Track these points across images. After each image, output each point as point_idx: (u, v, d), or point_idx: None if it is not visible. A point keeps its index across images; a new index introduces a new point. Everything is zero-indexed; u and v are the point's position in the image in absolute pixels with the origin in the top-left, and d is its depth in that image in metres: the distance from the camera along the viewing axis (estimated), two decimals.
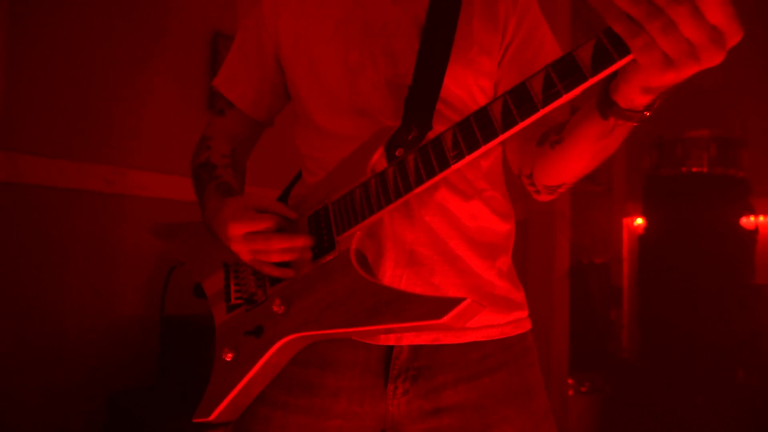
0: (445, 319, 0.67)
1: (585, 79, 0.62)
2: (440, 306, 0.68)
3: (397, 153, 0.81)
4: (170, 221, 1.15)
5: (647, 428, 3.06)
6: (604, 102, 0.67)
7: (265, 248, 0.81)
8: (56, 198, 1.80)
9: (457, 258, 0.88)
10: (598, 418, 3.35)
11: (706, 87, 3.44)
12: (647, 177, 3.27)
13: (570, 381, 3.29)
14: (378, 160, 0.81)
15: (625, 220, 3.94)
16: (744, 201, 3.07)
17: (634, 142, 3.77)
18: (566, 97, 0.64)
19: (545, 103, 0.65)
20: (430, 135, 0.81)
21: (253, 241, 0.81)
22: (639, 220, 3.62)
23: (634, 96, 0.63)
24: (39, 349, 1.73)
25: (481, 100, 0.92)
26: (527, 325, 0.96)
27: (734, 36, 0.52)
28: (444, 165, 0.73)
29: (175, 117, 2.15)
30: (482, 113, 0.71)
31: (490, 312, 0.89)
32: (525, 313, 0.96)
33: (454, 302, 0.67)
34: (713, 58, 0.53)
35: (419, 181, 0.74)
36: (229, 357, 0.84)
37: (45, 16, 1.79)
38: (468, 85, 0.91)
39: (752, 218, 3.07)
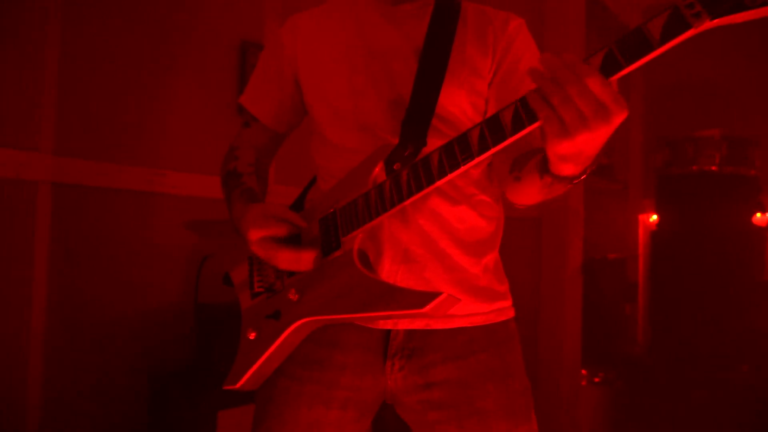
0: (427, 308, 0.82)
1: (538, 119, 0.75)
2: (423, 298, 0.83)
3: (395, 167, 0.94)
4: (203, 218, 1.32)
5: (657, 420, 3.15)
6: (542, 166, 0.84)
7: (274, 256, 0.95)
8: (104, 197, 1.98)
9: (446, 256, 1.01)
10: (610, 409, 3.44)
11: (717, 87, 3.50)
12: (659, 175, 3.35)
13: (584, 372, 3.38)
14: (378, 173, 0.95)
15: (641, 217, 4.01)
16: (755, 199, 3.13)
17: (650, 140, 3.84)
18: (530, 128, 0.77)
19: (513, 133, 0.77)
20: (425, 150, 0.94)
21: (268, 247, 0.95)
22: (654, 217, 3.69)
23: (557, 164, 0.78)
24: (91, 333, 1.93)
25: (474, 117, 1.04)
26: (510, 314, 1.09)
27: (618, 112, 0.67)
28: (430, 181, 0.85)
29: (207, 121, 2.32)
30: (463, 138, 0.83)
31: (475, 302, 1.03)
32: (508, 303, 1.09)
33: (434, 295, 0.82)
34: (599, 127, 0.67)
35: (410, 194, 0.87)
36: (252, 336, 1.00)
37: (91, 31, 1.97)
38: (461, 104, 1.03)
39: (761, 215, 3.13)
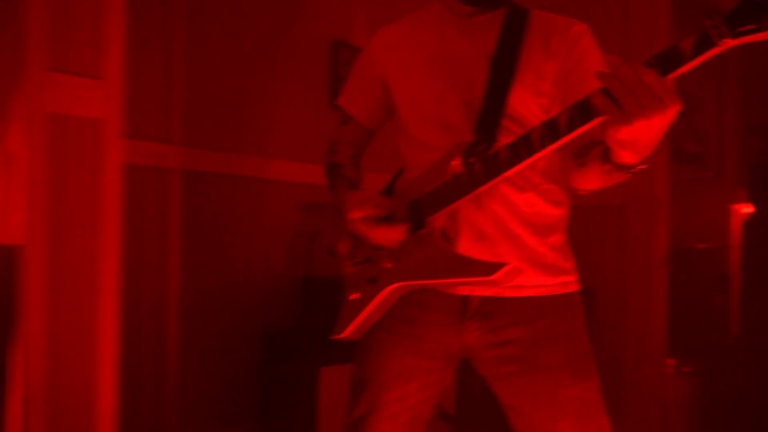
0: (495, 276, 1.00)
1: (591, 119, 0.90)
2: (492, 268, 1.01)
3: (470, 160, 1.10)
4: (305, 201, 1.52)
5: (746, 411, 3.11)
6: (604, 155, 0.98)
7: (370, 232, 1.14)
8: (223, 182, 2.31)
9: (516, 236, 1.18)
10: (699, 398, 3.42)
11: None
12: (753, 164, 3.28)
13: (672, 362, 3.38)
14: (456, 165, 1.12)
15: (734, 207, 3.91)
16: None
17: (745, 128, 3.72)
18: (581, 130, 0.92)
19: (566, 133, 0.93)
20: (496, 146, 1.09)
21: (366, 224, 1.14)
22: (747, 207, 3.60)
23: (617, 152, 0.91)
24: (215, 299, 2.27)
25: (540, 115, 1.18)
26: (574, 288, 1.24)
27: (671, 103, 0.81)
28: (499, 172, 1.03)
29: (304, 115, 2.59)
30: (526, 137, 0.99)
31: (541, 275, 1.19)
32: (573, 278, 1.24)
33: (501, 265, 1.00)
34: (654, 115, 0.81)
35: (482, 183, 1.05)
36: (354, 297, 1.22)
37: (209, 40, 2.28)
38: (528, 105, 1.18)
39: None
